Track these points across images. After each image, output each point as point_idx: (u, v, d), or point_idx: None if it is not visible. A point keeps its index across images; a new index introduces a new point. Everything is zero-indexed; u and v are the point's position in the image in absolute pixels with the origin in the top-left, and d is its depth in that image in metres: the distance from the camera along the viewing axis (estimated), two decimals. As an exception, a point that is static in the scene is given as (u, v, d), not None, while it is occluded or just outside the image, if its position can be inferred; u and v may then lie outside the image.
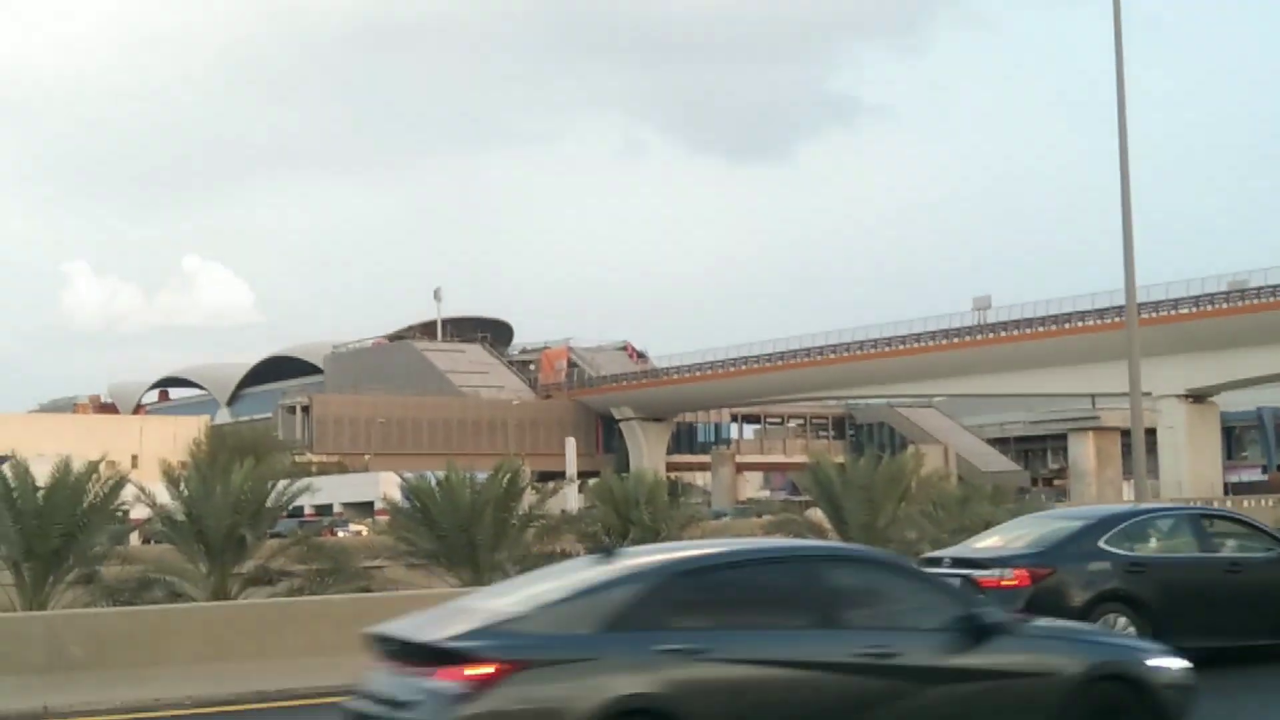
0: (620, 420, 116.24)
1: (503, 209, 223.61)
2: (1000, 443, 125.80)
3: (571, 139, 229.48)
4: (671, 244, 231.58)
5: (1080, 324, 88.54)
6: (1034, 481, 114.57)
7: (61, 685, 13.16)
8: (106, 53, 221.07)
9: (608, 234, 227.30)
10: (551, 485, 33.08)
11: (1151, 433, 77.77)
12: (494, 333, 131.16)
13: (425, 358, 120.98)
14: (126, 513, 28.23)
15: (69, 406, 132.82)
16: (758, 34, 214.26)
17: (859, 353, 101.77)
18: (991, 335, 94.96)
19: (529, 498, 27.26)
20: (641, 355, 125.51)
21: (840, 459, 38.03)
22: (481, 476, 26.00)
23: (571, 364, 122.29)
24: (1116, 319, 75.56)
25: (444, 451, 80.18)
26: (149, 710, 13.12)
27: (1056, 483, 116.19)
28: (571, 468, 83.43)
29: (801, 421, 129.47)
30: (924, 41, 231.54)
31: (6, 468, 24.59)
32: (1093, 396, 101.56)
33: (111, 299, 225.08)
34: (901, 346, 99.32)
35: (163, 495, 25.69)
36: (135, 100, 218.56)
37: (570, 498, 50.34)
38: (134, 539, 33.52)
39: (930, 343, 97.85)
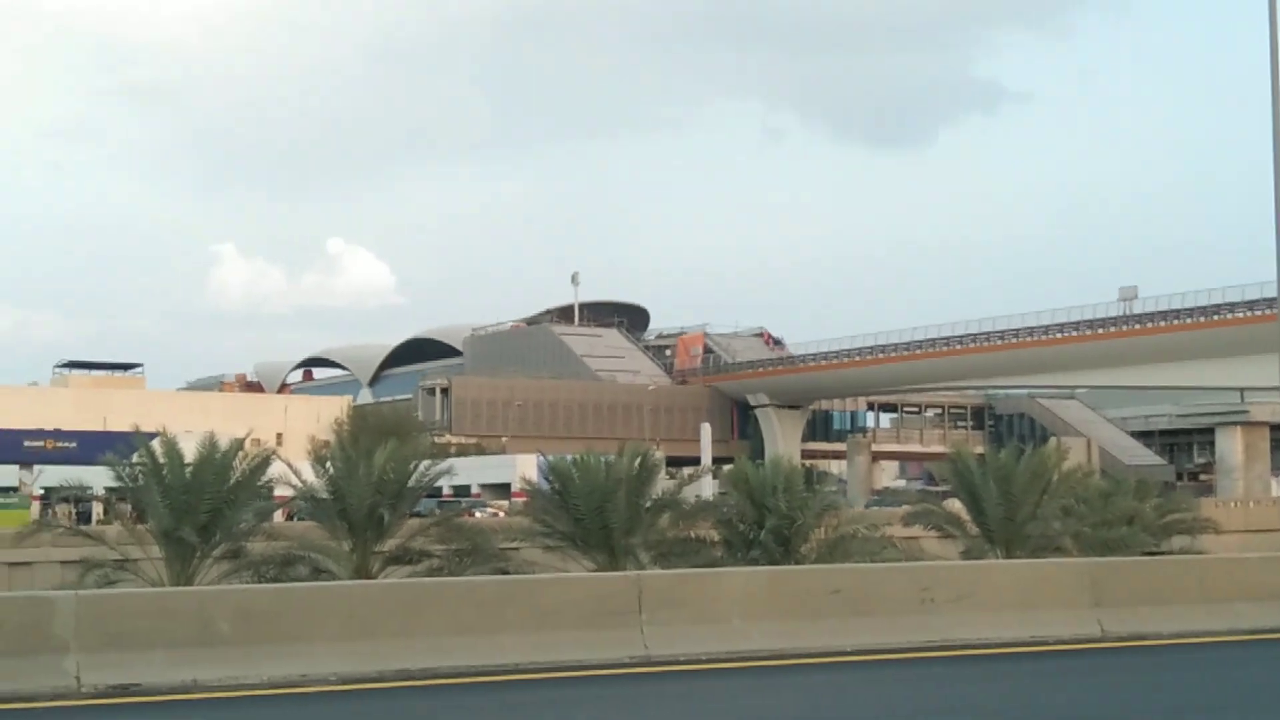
0: (755, 407, 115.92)
1: (641, 194, 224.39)
2: (1144, 436, 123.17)
3: (710, 125, 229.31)
4: (809, 230, 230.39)
5: (1229, 315, 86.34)
6: (1179, 476, 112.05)
7: (210, 659, 13.40)
8: (256, 39, 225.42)
9: (745, 220, 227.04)
10: (688, 471, 33.05)
11: (1303, 428, 75.89)
12: (630, 318, 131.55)
13: (562, 341, 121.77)
14: (271, 489, 28.78)
15: (216, 385, 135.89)
16: (900, 20, 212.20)
17: (1000, 342, 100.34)
18: (1137, 326, 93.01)
19: (664, 482, 27.23)
20: (778, 342, 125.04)
21: (979, 450, 37.51)
22: (614, 460, 26.04)
23: (707, 350, 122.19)
24: (1267, 311, 73.63)
25: (580, 435, 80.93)
26: (296, 686, 13.32)
27: (1203, 478, 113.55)
28: (706, 454, 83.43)
29: (939, 411, 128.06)
30: (1068, 27, 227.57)
31: (156, 444, 25.17)
32: (1241, 390, 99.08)
33: (257, 281, 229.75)
34: (1044, 336, 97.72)
35: (307, 473, 26.14)
36: (283, 86, 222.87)
37: (705, 484, 50.30)
38: (277, 516, 34.19)
39: (1074, 333, 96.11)
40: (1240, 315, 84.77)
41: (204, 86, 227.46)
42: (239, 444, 24.99)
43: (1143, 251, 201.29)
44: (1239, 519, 61.93)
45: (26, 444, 75.45)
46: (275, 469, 25.84)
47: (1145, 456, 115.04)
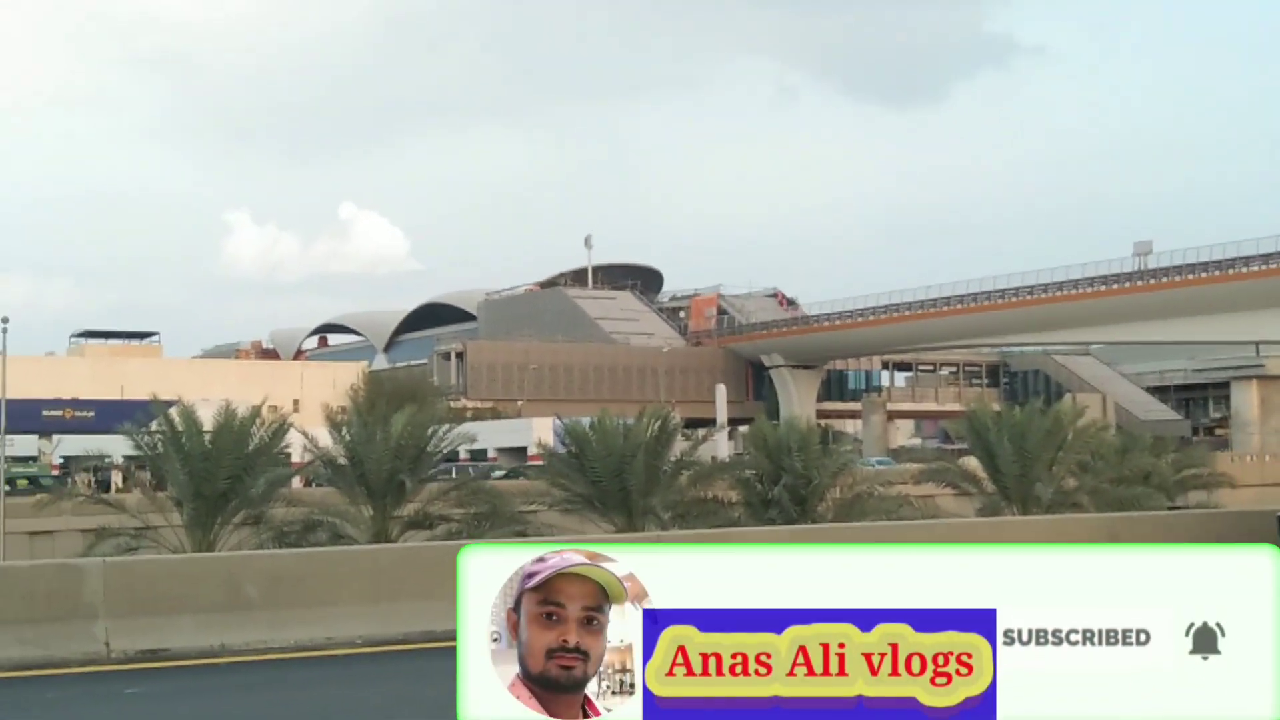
0: (770, 367, 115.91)
1: (654, 156, 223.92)
2: (1160, 391, 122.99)
3: (723, 86, 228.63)
4: (823, 190, 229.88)
5: (1245, 270, 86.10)
6: (1195, 431, 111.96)
7: (237, 624, 13.55)
8: (266, 5, 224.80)
9: (759, 180, 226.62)
10: (703, 432, 33.21)
11: (1319, 381, 75.85)
12: (644, 280, 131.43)
13: (576, 305, 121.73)
14: (289, 456, 28.93)
15: (232, 353, 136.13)
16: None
17: (1015, 299, 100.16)
18: (1152, 281, 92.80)
19: (680, 444, 27.37)
20: (791, 302, 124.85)
21: (995, 407, 37.60)
22: (633, 423, 26.19)
23: (721, 311, 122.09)
24: (1283, 264, 73.43)
25: (595, 398, 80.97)
26: (321, 649, 13.46)
27: (1218, 432, 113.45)
28: (722, 414, 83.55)
29: (954, 369, 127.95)
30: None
31: (174, 411, 25.33)
32: (1257, 344, 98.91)
33: (271, 248, 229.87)
34: (1059, 293, 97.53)
35: (324, 439, 26.30)
36: (295, 52, 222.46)
37: (721, 444, 50.36)
38: (295, 482, 34.36)
39: (1089, 289, 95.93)
40: (1256, 269, 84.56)
41: (214, 53, 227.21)
42: (256, 411, 25.16)
43: (1158, 207, 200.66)
44: (1254, 473, 62.04)
45: (45, 414, 75.78)
46: (293, 436, 26.01)
47: (1161, 412, 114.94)
